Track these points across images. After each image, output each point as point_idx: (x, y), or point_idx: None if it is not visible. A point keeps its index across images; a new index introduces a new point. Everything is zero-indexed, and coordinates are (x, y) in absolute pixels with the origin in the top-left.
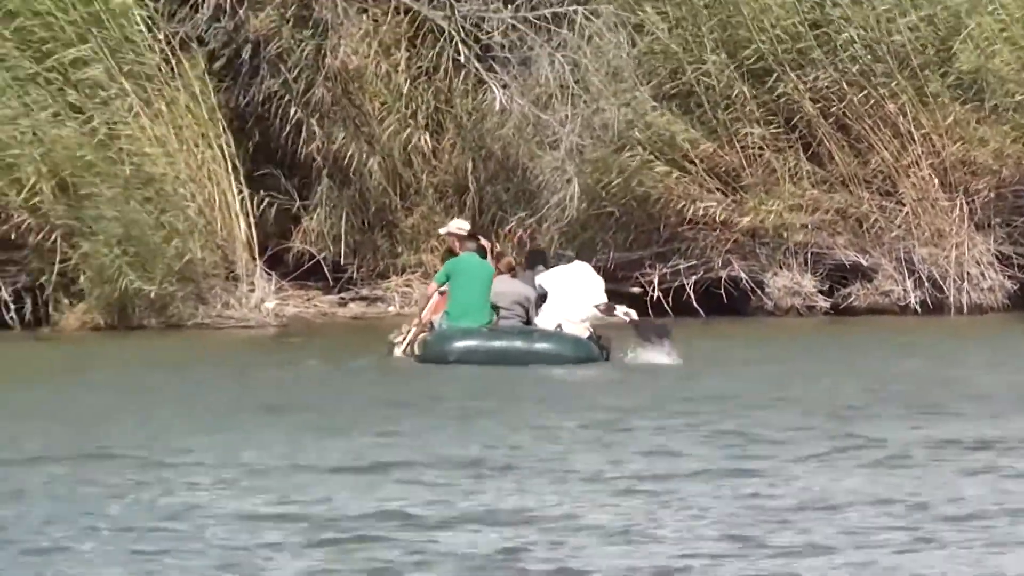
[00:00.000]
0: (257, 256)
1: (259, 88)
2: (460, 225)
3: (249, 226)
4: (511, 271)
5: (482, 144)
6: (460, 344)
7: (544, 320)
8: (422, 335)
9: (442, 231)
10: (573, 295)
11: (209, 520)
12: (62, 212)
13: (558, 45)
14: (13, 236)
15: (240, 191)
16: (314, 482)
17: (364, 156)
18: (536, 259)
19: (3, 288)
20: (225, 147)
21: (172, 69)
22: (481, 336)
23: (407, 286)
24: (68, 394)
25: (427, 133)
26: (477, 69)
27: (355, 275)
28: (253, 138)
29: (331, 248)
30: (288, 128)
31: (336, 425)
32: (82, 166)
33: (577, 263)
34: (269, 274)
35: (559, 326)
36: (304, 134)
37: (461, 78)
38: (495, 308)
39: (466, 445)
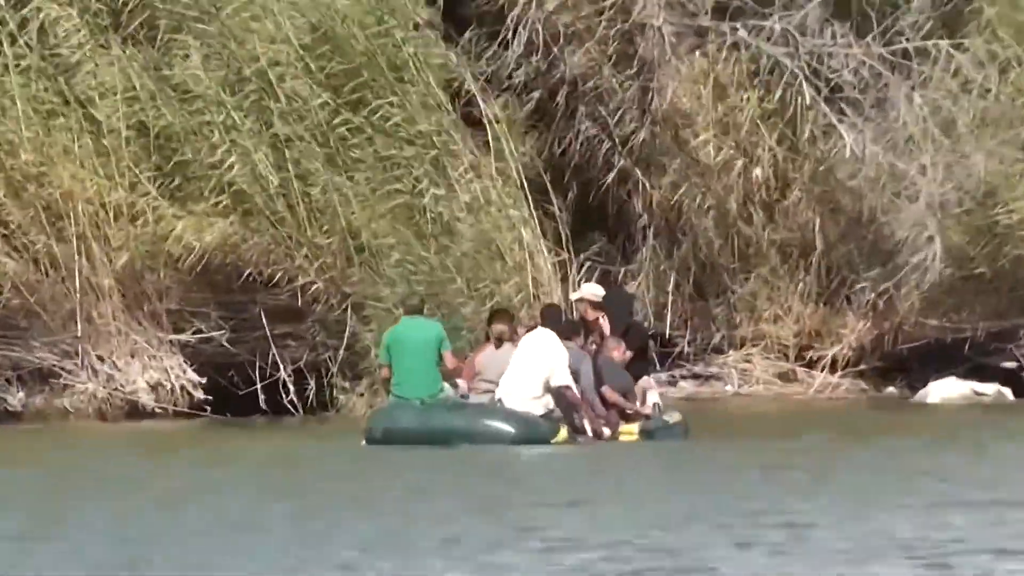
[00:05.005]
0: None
1: (575, 134)
2: (594, 291)
3: (566, 295)
4: (500, 340)
5: (831, 196)
6: (385, 423)
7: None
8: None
9: (573, 297)
10: (524, 367)
11: None
12: (356, 277)
13: (917, 83)
14: (297, 304)
15: (558, 255)
16: None
17: (697, 210)
18: (557, 321)
19: (283, 367)
20: (534, 204)
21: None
22: (411, 413)
23: (747, 361)
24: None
25: (770, 184)
26: (825, 112)
27: (686, 349)
28: (571, 191)
29: (657, 318)
30: (608, 180)
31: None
32: (384, 228)
33: (540, 331)
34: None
35: (499, 401)
36: (628, 185)
37: (809, 122)
38: (487, 381)
39: None
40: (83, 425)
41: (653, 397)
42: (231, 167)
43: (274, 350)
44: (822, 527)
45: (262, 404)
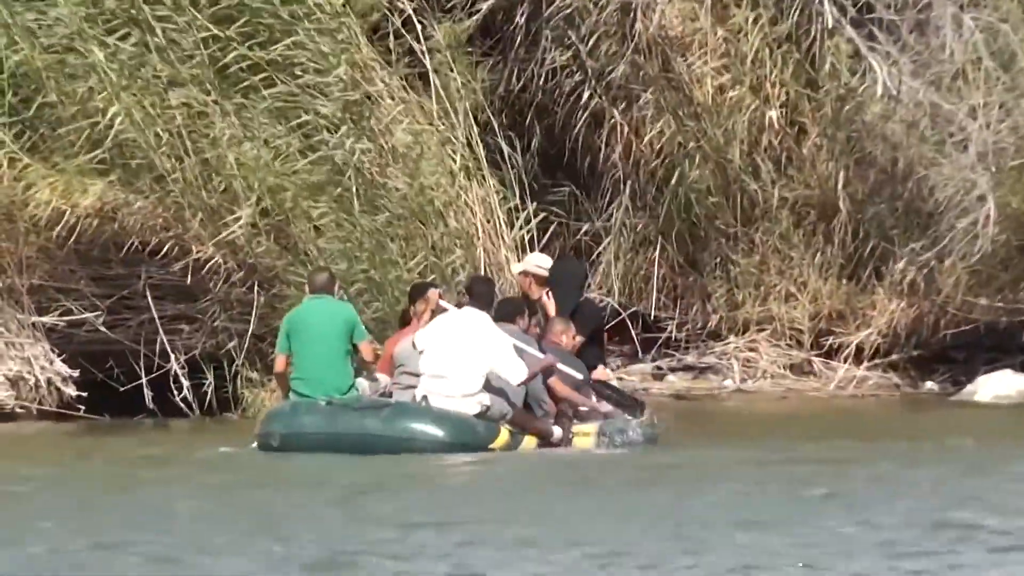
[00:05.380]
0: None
1: (538, 64)
2: (539, 263)
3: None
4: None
5: (858, 144)
6: (283, 427)
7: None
8: None
9: (516, 269)
10: (451, 358)
11: None
12: (263, 247)
13: (967, 2)
14: (191, 280)
15: (515, 209)
16: None
17: (689, 160)
18: (489, 298)
19: (173, 357)
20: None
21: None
22: (316, 414)
23: (751, 350)
24: None
25: (782, 128)
26: (852, 38)
27: (675, 335)
28: (531, 134)
29: (637, 294)
30: (579, 122)
31: None
32: (297, 189)
33: (468, 311)
34: None
35: (424, 399)
36: (604, 129)
37: (831, 51)
38: (410, 374)
39: None
40: None
41: None
42: (102, 114)
43: (163, 336)
44: None
45: (148, 403)
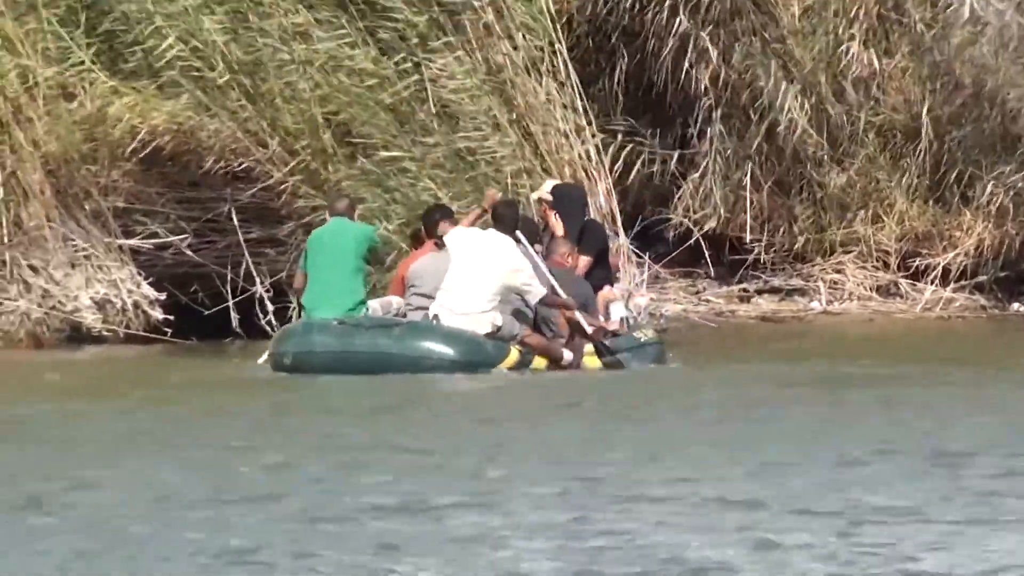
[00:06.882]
0: (622, 232)
1: None
2: (548, 188)
3: (608, 191)
4: (442, 243)
5: (945, 67)
6: (294, 345)
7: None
8: None
9: (534, 196)
10: (467, 276)
11: None
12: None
13: None
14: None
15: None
16: None
17: (777, 86)
18: (513, 223)
19: (259, 280)
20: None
21: None
22: (328, 333)
23: (838, 272)
24: None
25: (869, 51)
26: None
27: (763, 258)
28: (615, 64)
29: (727, 220)
30: (666, 49)
31: None
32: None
33: (490, 233)
34: (640, 258)
35: (435, 317)
36: (690, 55)
37: None
38: (422, 295)
39: None
40: (12, 354)
41: (619, 311)
42: (166, 35)
43: (248, 259)
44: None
45: (235, 326)
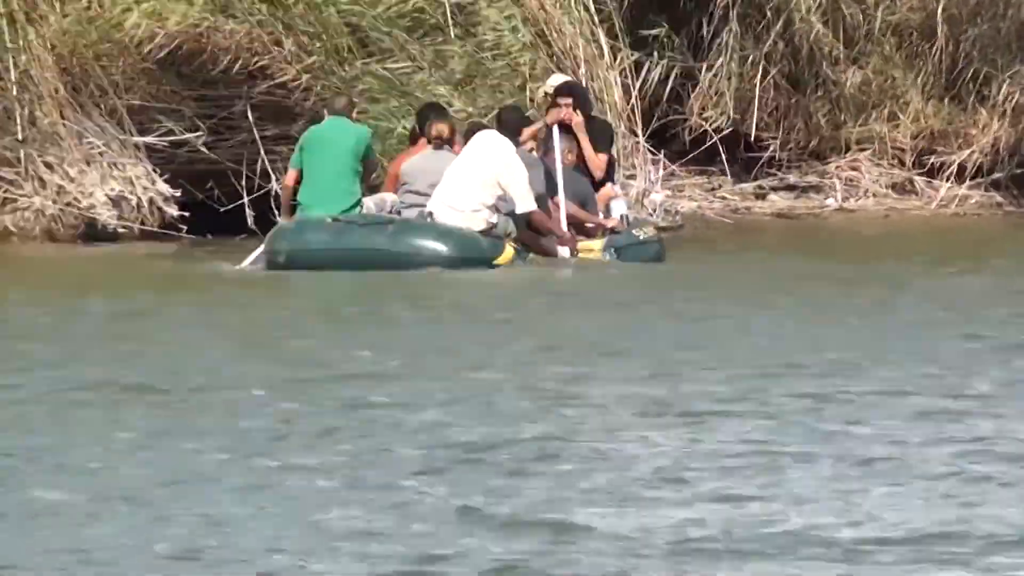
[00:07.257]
0: (640, 131)
1: None
2: (553, 82)
3: (628, 91)
4: (441, 141)
5: None
6: (289, 244)
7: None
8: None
9: (540, 91)
10: (463, 174)
11: None
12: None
13: None
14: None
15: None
16: None
17: None
18: (517, 127)
19: (274, 177)
20: None
21: None
22: (322, 231)
23: (853, 169)
24: None
25: None
26: None
27: (778, 155)
28: None
29: (742, 118)
30: None
31: None
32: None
33: (491, 133)
34: (656, 156)
35: (429, 215)
36: None
37: None
38: (415, 193)
39: None
40: (27, 249)
41: (620, 207)
42: None
43: (264, 157)
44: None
45: (250, 222)
